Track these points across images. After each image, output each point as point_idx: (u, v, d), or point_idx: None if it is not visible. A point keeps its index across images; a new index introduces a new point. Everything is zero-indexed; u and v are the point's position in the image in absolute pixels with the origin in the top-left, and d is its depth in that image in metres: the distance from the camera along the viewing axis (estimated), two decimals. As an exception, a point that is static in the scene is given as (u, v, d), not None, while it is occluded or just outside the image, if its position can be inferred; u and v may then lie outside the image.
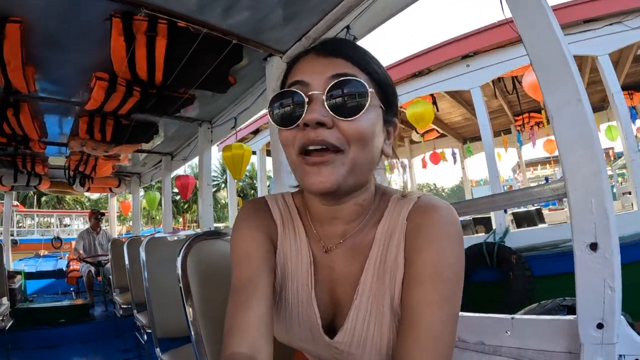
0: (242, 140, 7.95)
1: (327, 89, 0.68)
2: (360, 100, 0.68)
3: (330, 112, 0.68)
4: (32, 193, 27.01)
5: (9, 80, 2.55)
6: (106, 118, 3.61)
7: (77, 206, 38.52)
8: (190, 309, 1.11)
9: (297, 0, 2.15)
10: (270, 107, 0.75)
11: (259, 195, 2.68)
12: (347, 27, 2.25)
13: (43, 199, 35.81)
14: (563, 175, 1.22)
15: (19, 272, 6.38)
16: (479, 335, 1.47)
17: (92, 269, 6.13)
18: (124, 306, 3.93)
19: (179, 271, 1.13)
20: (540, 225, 6.61)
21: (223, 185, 40.82)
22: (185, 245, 1.17)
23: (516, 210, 7.39)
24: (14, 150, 4.34)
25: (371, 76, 0.73)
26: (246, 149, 4.02)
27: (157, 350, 2.28)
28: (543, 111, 7.55)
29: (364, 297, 0.78)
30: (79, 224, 28.24)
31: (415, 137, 9.39)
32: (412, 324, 0.68)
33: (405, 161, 10.59)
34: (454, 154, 10.50)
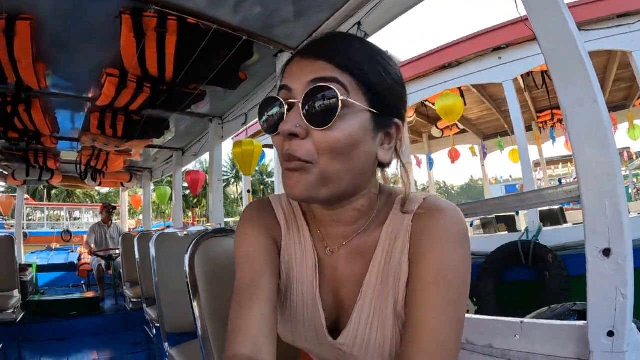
0: (258, 134, 7.90)
1: (302, 97, 0.66)
2: (331, 108, 0.64)
3: (305, 122, 0.66)
4: (42, 187, 27.28)
5: (20, 77, 2.58)
6: (117, 114, 3.64)
7: (87, 200, 38.76)
8: (197, 306, 1.11)
9: (306, -4, 2.15)
10: (259, 112, 0.74)
11: (276, 191, 2.68)
12: (358, 23, 2.23)
13: (53, 192, 36.12)
14: (577, 176, 1.20)
15: (30, 265, 6.45)
16: (487, 338, 1.45)
17: (103, 262, 6.19)
18: (134, 300, 3.96)
19: (187, 268, 1.13)
20: (569, 224, 6.42)
21: (232, 180, 41.05)
22: (193, 243, 1.17)
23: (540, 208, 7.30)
24: (26, 145, 4.37)
25: (356, 78, 0.67)
26: (256, 145, 4.02)
27: (166, 345, 2.29)
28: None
29: (367, 298, 0.77)
30: (88, 217, 28.53)
31: (435, 132, 9.18)
32: (416, 328, 0.67)
33: (413, 160, 10.43)
34: (484, 149, 10.18)
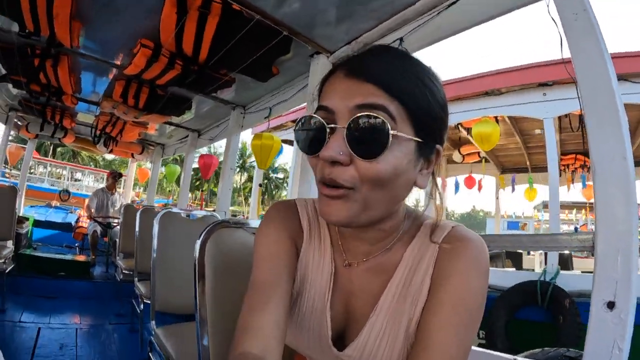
0: (281, 127, 7.85)
1: (348, 123, 0.63)
2: (382, 141, 0.62)
3: (349, 149, 0.63)
4: (49, 142, 27.39)
5: (54, 32, 2.58)
6: (142, 85, 3.64)
7: (91, 163, 38.91)
8: (200, 291, 1.11)
9: (354, 2, 2.13)
10: (295, 128, 0.72)
11: (289, 188, 2.68)
12: (400, 39, 2.21)
13: (59, 149, 36.23)
14: (595, 228, 1.20)
15: (27, 219, 6.46)
16: (479, 370, 1.44)
17: (99, 228, 6.20)
18: (126, 272, 3.95)
19: (197, 253, 1.13)
20: (577, 271, 6.42)
21: (237, 169, 41.19)
22: (207, 229, 1.17)
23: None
24: (46, 100, 4.40)
25: (406, 106, 0.64)
26: (276, 141, 4.00)
27: (153, 322, 2.28)
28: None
29: (380, 315, 0.77)
30: (89, 180, 28.53)
31: (456, 157, 9.12)
32: (427, 346, 0.67)
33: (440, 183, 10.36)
34: (513, 181, 10.03)
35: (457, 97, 5.89)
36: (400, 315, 0.75)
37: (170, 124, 5.38)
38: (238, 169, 42.14)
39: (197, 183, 40.91)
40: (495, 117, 6.25)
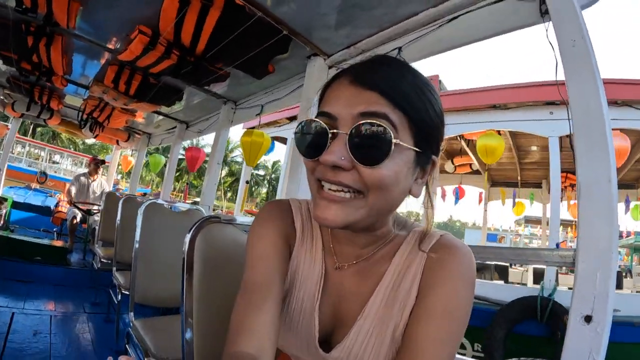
0: (274, 123, 7.80)
1: (350, 129, 0.64)
2: (384, 148, 0.63)
3: (351, 155, 0.64)
4: (30, 121, 26.69)
5: (51, 11, 2.54)
6: (135, 72, 3.60)
7: (71, 146, 37.90)
8: (187, 285, 1.10)
9: (356, 8, 2.14)
10: (296, 131, 0.73)
11: (279, 187, 2.68)
12: (399, 48, 2.23)
13: (39, 129, 35.27)
14: (577, 245, 1.25)
15: (6, 199, 6.34)
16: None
17: (79, 215, 6.09)
18: (104, 260, 3.89)
19: (186, 247, 1.13)
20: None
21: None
22: (197, 225, 1.17)
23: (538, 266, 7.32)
24: (36, 79, 4.32)
25: (407, 115, 0.66)
26: (266, 139, 4.00)
27: (131, 314, 2.25)
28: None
29: (368, 319, 0.78)
30: (68, 164, 27.94)
31: (448, 167, 9.19)
32: (414, 356, 0.68)
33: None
34: (514, 195, 10.18)
35: (464, 108, 5.91)
36: (387, 320, 0.76)
37: (159, 113, 5.34)
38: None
39: (177, 174, 40.58)
40: (498, 132, 6.33)
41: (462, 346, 4.25)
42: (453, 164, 8.90)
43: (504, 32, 1.86)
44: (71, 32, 3.11)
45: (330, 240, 0.85)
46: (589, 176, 1.25)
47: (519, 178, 9.47)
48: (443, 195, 10.29)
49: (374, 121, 0.62)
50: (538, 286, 4.58)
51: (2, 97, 5.75)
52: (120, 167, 10.57)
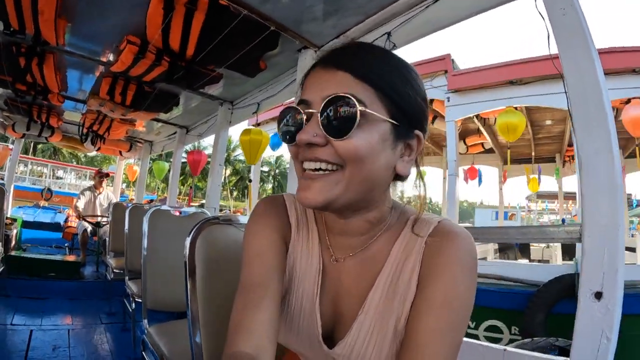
0: (274, 120, 7.81)
1: (321, 108, 0.66)
2: (350, 119, 0.64)
3: (323, 131, 0.66)
4: (28, 139, 26.53)
5: (39, 30, 2.55)
6: (129, 82, 3.61)
7: (73, 160, 37.98)
8: (191, 288, 1.11)
9: (341, -2, 2.13)
10: (277, 121, 0.75)
11: (289, 183, 2.68)
12: (388, 34, 2.22)
13: (39, 146, 35.19)
14: (582, 220, 1.22)
15: (15, 220, 6.39)
16: (469, 362, 1.46)
17: (89, 227, 6.13)
18: (116, 270, 3.92)
19: (187, 251, 1.14)
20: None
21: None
22: (197, 226, 1.17)
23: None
24: (32, 99, 4.36)
25: (376, 88, 0.67)
26: (264, 136, 4.00)
27: (145, 321, 2.27)
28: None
29: (369, 314, 0.77)
30: (71, 178, 28.00)
31: (460, 148, 8.89)
32: (416, 349, 0.67)
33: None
34: (539, 171, 9.94)
35: (480, 86, 5.80)
36: (388, 314, 0.75)
37: (158, 120, 5.35)
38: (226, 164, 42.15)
39: (182, 178, 40.73)
40: (515, 108, 6.15)
41: (499, 330, 4.18)
42: (465, 144, 8.78)
43: (492, 7, 1.84)
44: (62, 49, 3.11)
45: (326, 232, 0.85)
46: (588, 149, 1.22)
47: (532, 154, 9.32)
48: (466, 179, 10.09)
49: (340, 94, 0.65)
50: (571, 262, 4.55)
51: (1, 120, 5.79)
52: (126, 176, 10.59)
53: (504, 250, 8.07)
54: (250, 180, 7.53)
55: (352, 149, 0.66)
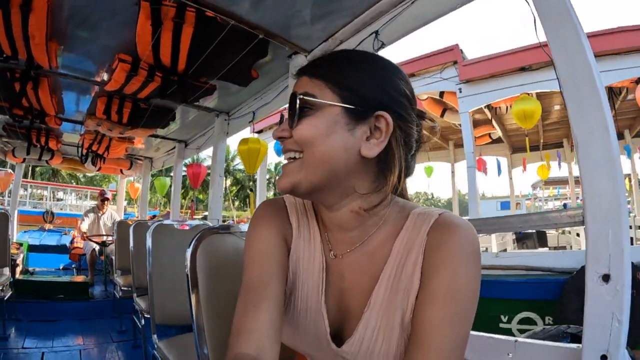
0: (269, 128, 7.81)
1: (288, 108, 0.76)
2: (300, 109, 0.74)
3: (287, 126, 0.76)
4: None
5: (31, 55, 2.56)
6: (124, 100, 3.62)
7: (72, 181, 37.64)
8: (195, 300, 1.11)
9: (327, 0, 2.14)
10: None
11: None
12: (376, 32, 2.23)
13: (38, 169, 35.22)
14: (583, 203, 1.21)
15: (21, 244, 6.42)
16: (479, 354, 1.46)
17: (97, 247, 6.17)
18: (124, 288, 3.94)
19: (188, 262, 1.14)
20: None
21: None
22: (197, 237, 1.18)
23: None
24: (30, 123, 4.37)
25: (328, 81, 0.75)
26: (262, 144, 4.02)
27: (154, 337, 2.28)
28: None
29: (374, 309, 0.77)
30: (72, 199, 27.91)
31: None
32: (422, 342, 0.67)
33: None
34: (559, 156, 9.82)
35: (490, 75, 5.73)
36: (394, 308, 0.75)
37: (156, 136, 5.36)
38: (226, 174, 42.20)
39: (182, 191, 40.77)
40: (528, 94, 6.05)
41: (532, 321, 4.12)
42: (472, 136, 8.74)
43: (477, -3, 1.84)
44: (55, 71, 3.14)
45: (325, 229, 0.86)
46: (584, 128, 1.21)
47: (541, 140, 9.28)
48: (484, 169, 9.98)
49: (294, 92, 0.75)
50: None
51: (1, 146, 5.82)
52: (127, 194, 10.61)
53: (521, 240, 8.02)
54: (251, 190, 7.55)
55: (300, 134, 0.73)
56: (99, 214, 6.79)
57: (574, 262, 4.26)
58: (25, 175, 29.55)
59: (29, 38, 2.38)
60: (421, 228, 0.76)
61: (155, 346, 2.11)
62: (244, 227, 1.28)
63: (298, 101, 0.74)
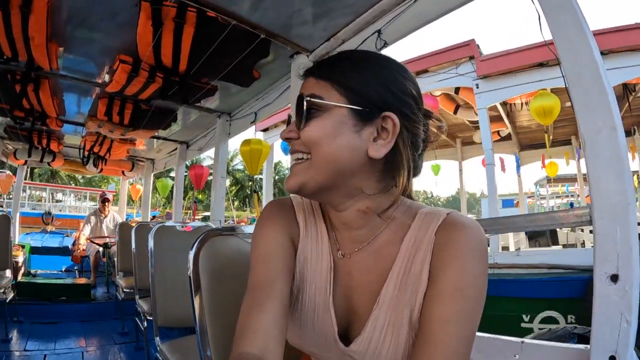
0: (283, 122, 7.79)
1: (296, 110, 0.77)
2: (307, 111, 0.75)
3: (295, 127, 0.77)
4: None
5: (32, 56, 2.55)
6: (126, 101, 3.62)
7: (71, 182, 37.77)
8: (198, 302, 1.10)
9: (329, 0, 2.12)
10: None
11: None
12: (378, 31, 2.21)
13: (36, 170, 35.10)
14: (591, 202, 1.20)
15: (23, 246, 6.42)
16: (486, 355, 1.45)
17: (100, 249, 6.18)
18: (126, 290, 3.93)
19: (191, 264, 1.13)
20: None
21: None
22: (200, 239, 1.17)
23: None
24: (31, 125, 4.38)
25: (334, 83, 0.75)
26: (264, 145, 4.01)
27: (157, 339, 2.27)
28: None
29: (383, 308, 0.77)
30: (71, 200, 28.01)
31: (476, 138, 8.77)
32: (428, 340, 0.67)
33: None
34: (578, 151, 9.56)
35: (508, 71, 5.68)
36: (402, 306, 0.75)
37: (158, 137, 5.36)
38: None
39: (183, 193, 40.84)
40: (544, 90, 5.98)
41: (555, 320, 4.07)
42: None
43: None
44: (56, 73, 3.13)
45: (333, 229, 0.86)
46: (591, 127, 1.20)
47: (551, 137, 9.22)
48: (503, 168, 9.93)
49: (301, 94, 0.76)
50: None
51: (3, 148, 5.82)
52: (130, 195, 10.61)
53: (534, 238, 8.01)
54: (254, 191, 7.57)
55: (308, 135, 0.74)
56: (101, 217, 6.85)
57: (582, 260, 4.23)
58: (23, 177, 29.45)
59: (29, 39, 2.37)
60: (429, 227, 0.77)
61: (158, 348, 2.10)
62: (247, 229, 1.27)
63: (305, 103, 0.74)
